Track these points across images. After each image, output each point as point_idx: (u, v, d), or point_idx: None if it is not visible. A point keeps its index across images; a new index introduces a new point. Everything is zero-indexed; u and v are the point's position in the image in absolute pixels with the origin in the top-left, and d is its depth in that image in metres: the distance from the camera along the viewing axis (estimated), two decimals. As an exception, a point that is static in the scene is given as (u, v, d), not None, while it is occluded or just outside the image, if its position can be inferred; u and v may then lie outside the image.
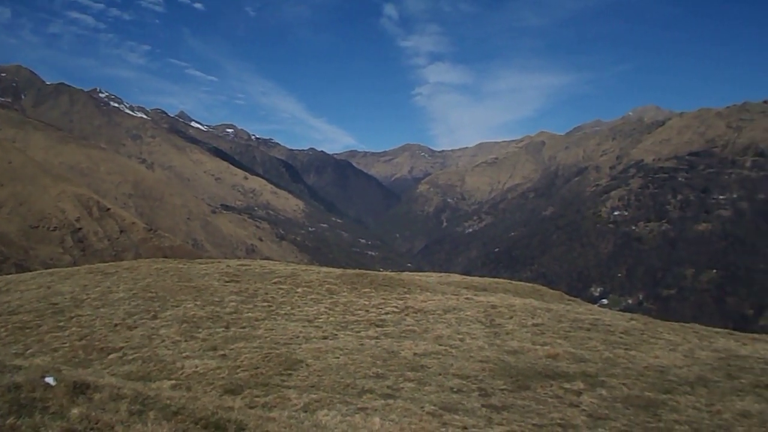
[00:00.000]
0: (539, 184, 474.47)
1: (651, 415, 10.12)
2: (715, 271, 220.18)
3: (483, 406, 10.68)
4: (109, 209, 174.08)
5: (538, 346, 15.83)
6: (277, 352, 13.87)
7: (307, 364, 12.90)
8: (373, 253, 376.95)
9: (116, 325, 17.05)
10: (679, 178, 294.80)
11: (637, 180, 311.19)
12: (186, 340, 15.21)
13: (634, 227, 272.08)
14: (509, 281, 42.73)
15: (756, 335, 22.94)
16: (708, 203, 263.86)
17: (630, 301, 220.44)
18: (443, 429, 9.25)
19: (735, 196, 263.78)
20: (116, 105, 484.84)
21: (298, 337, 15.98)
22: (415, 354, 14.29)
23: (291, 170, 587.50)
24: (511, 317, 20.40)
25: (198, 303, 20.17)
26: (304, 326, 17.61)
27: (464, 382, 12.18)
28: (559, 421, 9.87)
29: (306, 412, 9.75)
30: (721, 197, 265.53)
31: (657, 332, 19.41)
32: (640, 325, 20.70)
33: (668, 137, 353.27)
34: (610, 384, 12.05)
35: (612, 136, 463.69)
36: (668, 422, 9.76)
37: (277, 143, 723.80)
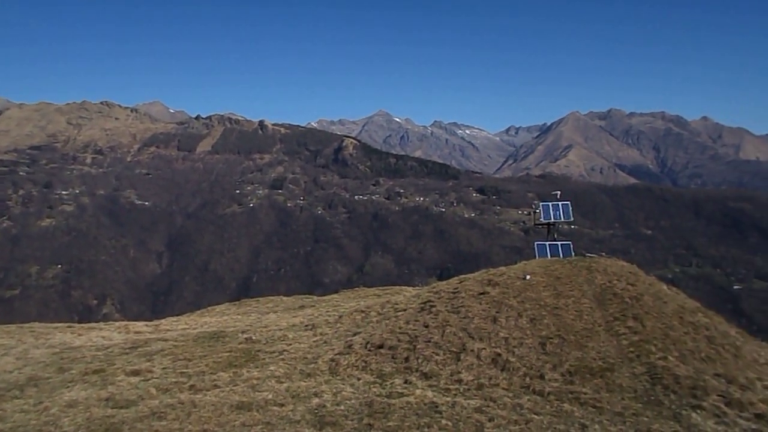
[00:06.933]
0: None
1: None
2: (60, 266, 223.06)
3: None
4: None
5: None
6: None
7: None
8: None
9: None
10: (21, 173, 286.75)
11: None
12: None
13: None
14: None
15: (94, 324, 24.50)
16: (51, 198, 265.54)
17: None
18: None
19: (77, 191, 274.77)
20: None
21: None
22: None
23: None
24: None
25: None
26: None
27: None
28: None
29: None
30: (64, 192, 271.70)
31: (-10, 339, 18.08)
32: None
33: (8, 128, 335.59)
34: None
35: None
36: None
37: None
